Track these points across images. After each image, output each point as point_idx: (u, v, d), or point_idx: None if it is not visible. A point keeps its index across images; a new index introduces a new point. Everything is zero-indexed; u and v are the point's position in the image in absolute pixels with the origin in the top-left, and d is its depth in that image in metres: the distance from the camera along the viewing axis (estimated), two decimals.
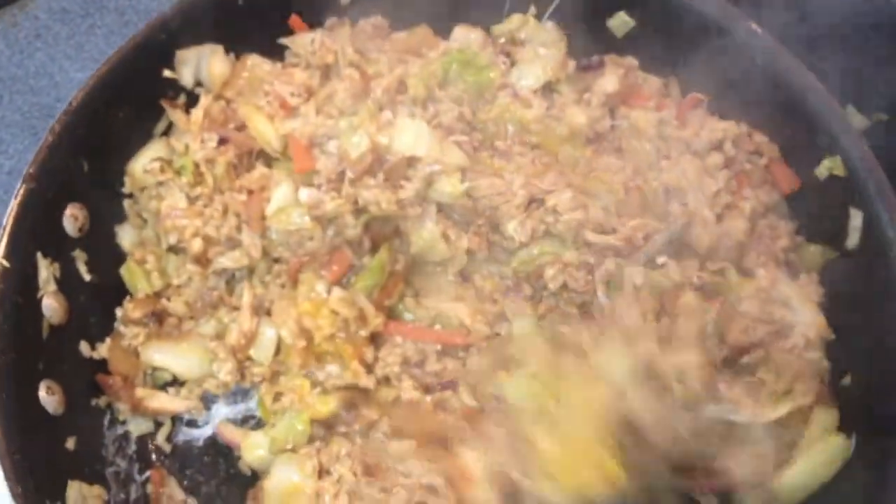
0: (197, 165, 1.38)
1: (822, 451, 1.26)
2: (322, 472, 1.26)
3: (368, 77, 1.37)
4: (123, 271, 1.40)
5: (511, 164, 1.33)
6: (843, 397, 1.30)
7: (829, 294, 1.35)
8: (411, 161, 1.29)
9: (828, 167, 1.33)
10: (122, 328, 1.38)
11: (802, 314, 1.31)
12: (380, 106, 1.33)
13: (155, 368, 1.39)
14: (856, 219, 1.30)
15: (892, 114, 1.47)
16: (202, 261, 1.38)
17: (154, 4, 1.76)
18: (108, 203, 1.41)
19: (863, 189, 1.29)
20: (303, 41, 1.48)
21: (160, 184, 1.40)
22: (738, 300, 1.30)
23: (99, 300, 1.37)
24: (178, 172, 1.39)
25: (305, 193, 1.30)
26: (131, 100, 1.40)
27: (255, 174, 1.37)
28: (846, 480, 1.26)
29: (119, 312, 1.39)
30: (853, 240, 1.31)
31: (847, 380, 1.30)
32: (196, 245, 1.35)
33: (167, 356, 1.38)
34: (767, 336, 1.28)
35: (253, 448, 1.32)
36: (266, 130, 1.37)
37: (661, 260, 1.30)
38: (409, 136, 1.28)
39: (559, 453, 1.17)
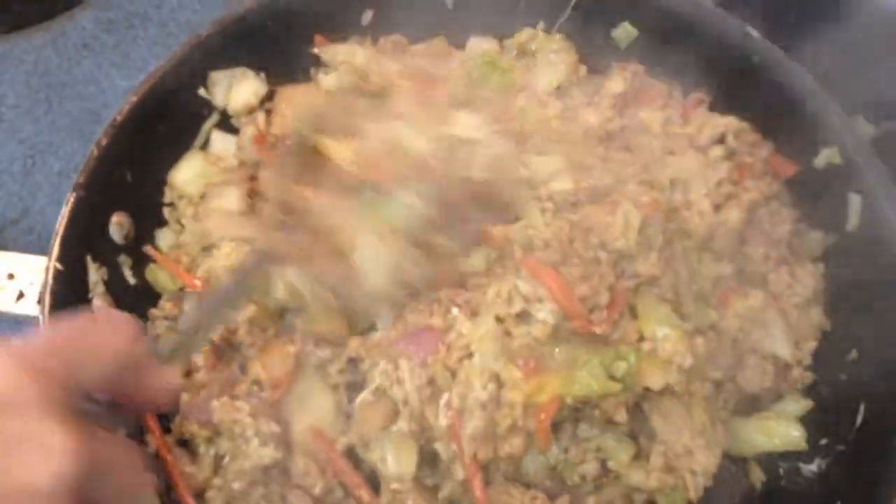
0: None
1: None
2: None
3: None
4: (147, 273, 1.47)
5: None
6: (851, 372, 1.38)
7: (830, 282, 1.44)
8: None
9: (826, 157, 1.41)
10: (152, 325, 1.44)
11: (778, 345, 1.40)
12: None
13: None
14: (854, 202, 1.38)
15: None
16: None
17: (196, 17, 1.86)
18: (149, 210, 1.49)
19: (859, 173, 1.37)
20: (334, 51, 1.58)
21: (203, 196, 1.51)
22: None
23: (142, 301, 1.44)
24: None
25: None
26: (171, 115, 1.49)
27: None
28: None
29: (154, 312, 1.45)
30: (853, 222, 1.39)
31: (854, 354, 1.38)
32: None
33: None
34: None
35: None
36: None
37: None
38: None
39: None
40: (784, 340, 1.39)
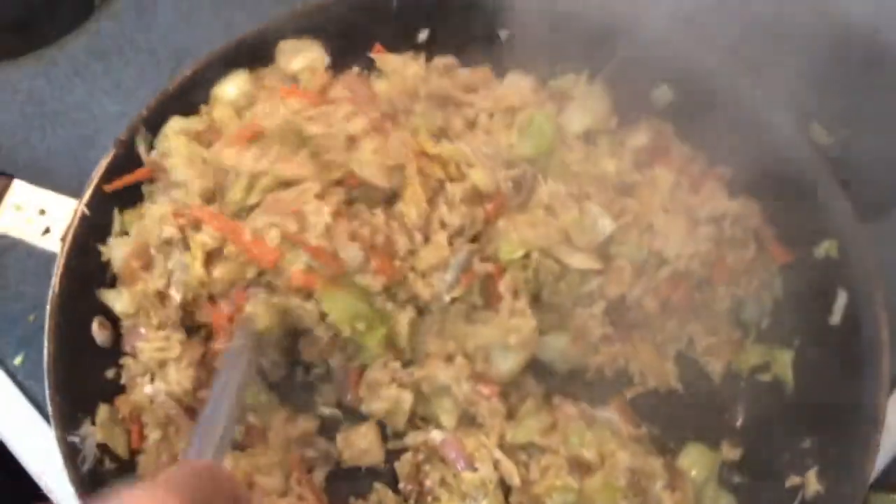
0: None
1: None
2: None
3: None
4: None
5: None
6: None
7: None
8: None
9: (825, 248, 1.44)
10: None
11: None
12: None
13: None
14: (841, 298, 1.41)
15: (853, 129, 1.58)
16: None
17: (185, 41, 1.90)
18: None
19: (852, 270, 1.40)
20: (388, 59, 1.65)
21: None
22: None
23: None
24: None
25: None
26: None
27: None
28: None
29: None
30: (836, 318, 1.42)
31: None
32: None
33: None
34: None
35: None
36: None
37: None
38: None
39: None
40: None
